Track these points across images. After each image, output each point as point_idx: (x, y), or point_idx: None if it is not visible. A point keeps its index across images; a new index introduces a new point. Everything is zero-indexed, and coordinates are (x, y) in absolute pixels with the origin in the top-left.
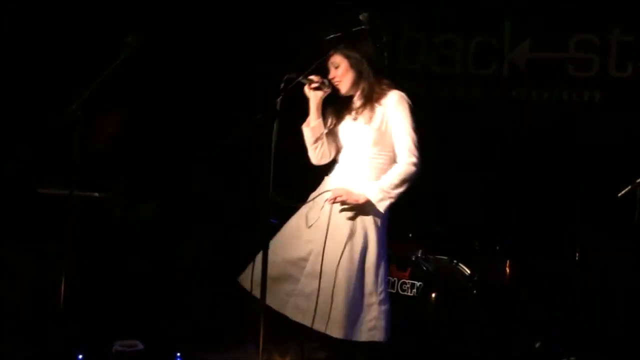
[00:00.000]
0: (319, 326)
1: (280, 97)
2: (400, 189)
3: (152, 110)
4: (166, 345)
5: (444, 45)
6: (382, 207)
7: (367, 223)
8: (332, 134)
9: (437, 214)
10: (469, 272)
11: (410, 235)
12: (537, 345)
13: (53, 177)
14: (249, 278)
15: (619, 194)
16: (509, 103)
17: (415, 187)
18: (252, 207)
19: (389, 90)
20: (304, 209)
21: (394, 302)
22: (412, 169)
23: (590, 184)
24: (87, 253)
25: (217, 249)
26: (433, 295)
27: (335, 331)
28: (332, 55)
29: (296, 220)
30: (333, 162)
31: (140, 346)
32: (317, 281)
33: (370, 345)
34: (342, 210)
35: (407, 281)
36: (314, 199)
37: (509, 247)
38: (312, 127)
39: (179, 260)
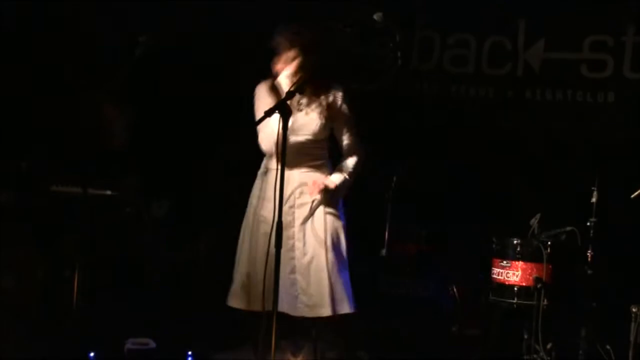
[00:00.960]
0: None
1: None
2: (355, 176)
3: (165, 110)
4: (178, 344)
5: (457, 44)
6: (342, 192)
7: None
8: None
9: (450, 213)
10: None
11: (423, 235)
12: (549, 346)
13: (67, 175)
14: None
15: (632, 196)
16: (523, 103)
17: (429, 186)
18: None
19: (332, 86)
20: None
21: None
22: (363, 157)
23: (603, 185)
24: (100, 251)
25: (228, 248)
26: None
27: (345, 307)
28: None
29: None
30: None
31: (152, 344)
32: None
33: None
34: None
35: (420, 281)
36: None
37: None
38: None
39: (191, 259)
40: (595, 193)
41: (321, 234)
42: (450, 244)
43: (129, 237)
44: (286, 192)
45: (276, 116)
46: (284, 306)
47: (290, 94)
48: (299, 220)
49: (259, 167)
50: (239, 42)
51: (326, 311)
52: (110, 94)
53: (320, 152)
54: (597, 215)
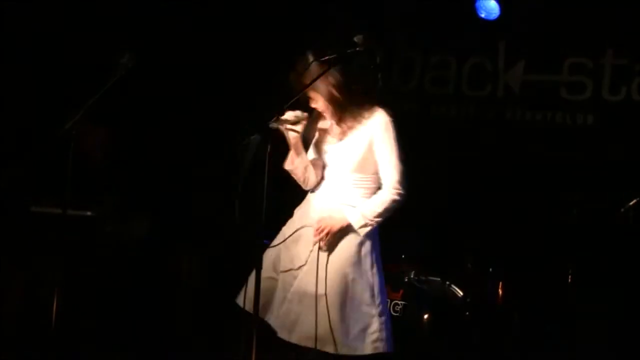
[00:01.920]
0: (328, 348)
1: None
2: (381, 218)
3: (143, 128)
4: None
5: (438, 66)
6: (362, 232)
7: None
8: (318, 152)
9: (430, 235)
10: (461, 293)
11: (402, 256)
12: None
13: (46, 195)
14: (242, 299)
15: (622, 209)
16: (503, 124)
17: (408, 209)
18: (244, 227)
19: (373, 110)
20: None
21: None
22: (397, 199)
23: (582, 206)
24: (80, 271)
25: (209, 267)
26: (426, 316)
27: (344, 349)
28: (310, 91)
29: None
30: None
31: None
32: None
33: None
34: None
35: (399, 302)
36: (291, 233)
37: (502, 268)
38: (295, 167)
39: (171, 278)
40: (575, 214)
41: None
42: (431, 265)
43: (110, 257)
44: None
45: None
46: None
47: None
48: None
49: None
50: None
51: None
52: (89, 114)
53: (362, 186)
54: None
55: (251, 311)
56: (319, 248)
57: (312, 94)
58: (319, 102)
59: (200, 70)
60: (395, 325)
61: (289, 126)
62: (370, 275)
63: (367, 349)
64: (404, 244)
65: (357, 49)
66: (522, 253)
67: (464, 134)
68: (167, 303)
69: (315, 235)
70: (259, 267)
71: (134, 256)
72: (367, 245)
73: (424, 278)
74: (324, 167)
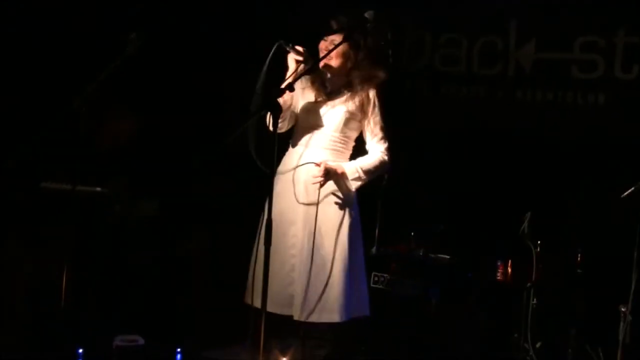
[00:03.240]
0: (325, 317)
1: (268, 61)
2: (371, 176)
3: (154, 107)
4: (167, 341)
5: (448, 44)
6: (353, 185)
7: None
8: (303, 105)
9: (439, 212)
10: (470, 271)
11: (412, 234)
12: (538, 345)
13: (56, 172)
14: (249, 293)
15: (622, 195)
16: (513, 103)
17: (416, 185)
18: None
19: (366, 81)
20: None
21: (393, 301)
22: (386, 161)
23: (593, 185)
24: (89, 248)
25: (219, 246)
26: (434, 294)
27: (339, 316)
28: (335, 33)
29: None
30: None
31: (141, 341)
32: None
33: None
34: (320, 187)
35: (407, 280)
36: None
37: (511, 246)
38: (283, 100)
39: (180, 256)
40: (584, 193)
41: (332, 234)
42: (439, 243)
43: (119, 235)
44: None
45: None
46: (275, 307)
47: (281, 91)
48: (306, 215)
49: (250, 165)
50: (231, 41)
51: (333, 317)
52: (98, 92)
53: (343, 150)
54: (586, 214)
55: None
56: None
57: (337, 38)
58: (332, 59)
59: (211, 51)
60: (404, 303)
61: (296, 56)
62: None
63: (353, 313)
64: (412, 222)
65: (368, 25)
66: (531, 231)
67: (474, 112)
68: (176, 282)
69: (318, 174)
70: (268, 245)
71: (143, 235)
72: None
73: (432, 256)
74: (299, 124)
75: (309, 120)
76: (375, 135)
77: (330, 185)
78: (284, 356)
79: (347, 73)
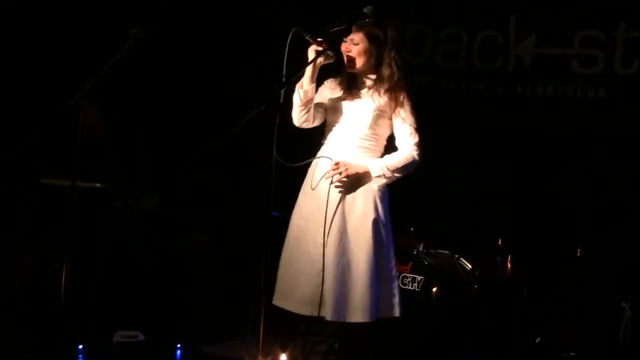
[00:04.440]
0: (353, 317)
1: (287, 50)
2: (398, 174)
3: (154, 101)
4: (167, 337)
5: (449, 39)
6: (377, 182)
7: (372, 202)
8: (331, 104)
9: (439, 208)
10: (470, 266)
11: (412, 229)
12: (538, 340)
13: (55, 167)
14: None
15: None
16: (513, 98)
17: (417, 180)
18: (254, 200)
19: (398, 78)
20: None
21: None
22: (416, 160)
23: (592, 180)
24: (89, 244)
25: (219, 241)
26: (434, 289)
27: (365, 316)
28: (353, 32)
29: (297, 221)
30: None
31: (141, 337)
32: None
33: (370, 338)
34: (339, 185)
35: (408, 275)
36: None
37: (510, 241)
38: (304, 91)
39: (180, 252)
40: (587, 187)
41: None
42: (440, 238)
43: (118, 230)
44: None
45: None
46: (301, 308)
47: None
48: (335, 213)
49: (251, 160)
50: (231, 36)
51: (359, 317)
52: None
53: (373, 148)
54: (587, 210)
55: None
56: (330, 183)
57: (357, 36)
58: (358, 45)
59: (210, 44)
60: (405, 298)
61: (318, 48)
62: (388, 239)
63: (382, 313)
64: (412, 217)
65: (367, 20)
66: (531, 227)
67: (475, 107)
68: (176, 277)
69: (330, 170)
70: (267, 240)
71: (143, 230)
72: (384, 211)
73: (432, 251)
74: (323, 119)
75: (337, 119)
76: (404, 130)
77: (358, 184)
78: (284, 352)
79: (374, 70)
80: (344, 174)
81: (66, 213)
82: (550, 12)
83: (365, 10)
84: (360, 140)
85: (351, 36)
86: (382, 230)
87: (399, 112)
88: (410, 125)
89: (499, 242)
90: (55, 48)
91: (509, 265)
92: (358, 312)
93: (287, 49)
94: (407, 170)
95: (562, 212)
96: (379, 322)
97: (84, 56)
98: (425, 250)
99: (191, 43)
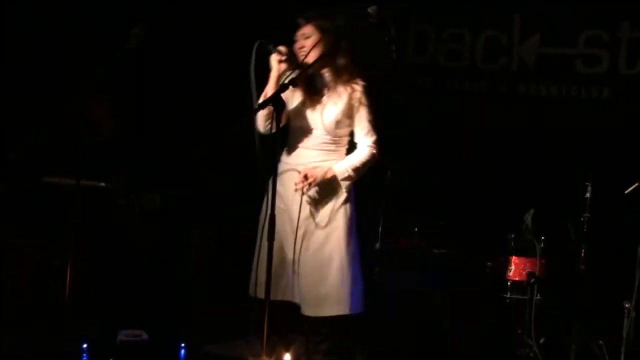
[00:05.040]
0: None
1: (252, 62)
2: (362, 173)
3: (155, 101)
4: (170, 336)
5: (452, 39)
6: (344, 185)
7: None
8: (293, 109)
9: (442, 208)
10: (473, 266)
11: (415, 229)
12: (542, 341)
13: (59, 166)
14: (253, 284)
15: (626, 191)
16: (517, 98)
17: (422, 180)
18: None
19: (358, 79)
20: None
21: (400, 296)
22: (375, 155)
23: (597, 180)
24: (92, 243)
25: (222, 241)
26: (438, 289)
27: (338, 309)
28: (304, 25)
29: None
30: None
31: (145, 336)
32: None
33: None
34: (302, 194)
35: (412, 275)
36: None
37: (515, 242)
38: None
39: (183, 251)
40: (589, 188)
41: (334, 227)
42: (443, 238)
43: (121, 229)
44: (292, 185)
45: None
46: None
47: (284, 87)
48: (304, 213)
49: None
50: (233, 36)
51: (329, 310)
52: (99, 86)
53: (336, 149)
54: (591, 210)
55: (260, 297)
56: (302, 194)
57: (308, 29)
58: (310, 39)
59: (212, 44)
60: (408, 298)
61: (280, 57)
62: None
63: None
64: (416, 218)
65: (371, 20)
66: (535, 227)
67: (478, 107)
68: (179, 276)
69: (299, 182)
70: (270, 239)
71: (146, 229)
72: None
73: (436, 251)
74: (288, 126)
75: (299, 122)
76: (363, 129)
77: (327, 186)
78: (287, 351)
79: (329, 70)
80: (313, 184)
81: (69, 212)
82: (554, 12)
83: (369, 10)
84: (324, 145)
85: (302, 31)
86: (351, 228)
87: (357, 111)
88: (369, 123)
89: (503, 242)
90: (58, 46)
91: (512, 266)
92: (333, 305)
93: (252, 61)
94: (369, 167)
95: (567, 211)
96: (380, 322)
97: (87, 55)
98: (428, 251)
99: (193, 40)
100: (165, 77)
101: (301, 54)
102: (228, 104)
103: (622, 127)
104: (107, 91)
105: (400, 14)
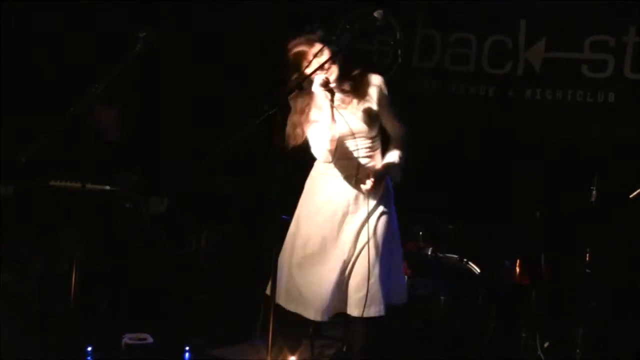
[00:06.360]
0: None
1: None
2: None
3: (162, 105)
4: (175, 339)
5: (458, 43)
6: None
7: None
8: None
9: (448, 212)
10: (479, 270)
11: (420, 233)
12: (546, 345)
13: (65, 170)
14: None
15: (631, 195)
16: (523, 102)
17: (426, 185)
18: (263, 204)
19: (368, 75)
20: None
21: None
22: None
23: (602, 185)
24: (98, 246)
25: (228, 245)
26: (443, 293)
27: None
28: (308, 47)
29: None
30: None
31: (150, 340)
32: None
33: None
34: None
35: (417, 279)
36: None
37: (520, 246)
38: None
39: (189, 254)
40: (594, 193)
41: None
42: (448, 242)
43: (128, 233)
44: (342, 201)
45: (323, 125)
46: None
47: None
48: (351, 227)
49: (260, 164)
50: (240, 40)
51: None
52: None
53: (373, 152)
54: (597, 214)
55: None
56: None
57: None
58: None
59: (220, 49)
60: (413, 303)
61: (321, 87)
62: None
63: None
64: (421, 222)
65: (377, 24)
66: (541, 231)
67: (484, 111)
68: (185, 280)
69: (370, 186)
70: (276, 244)
71: (151, 233)
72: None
73: (441, 255)
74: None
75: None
76: (392, 122)
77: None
78: (293, 355)
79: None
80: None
81: (76, 215)
82: (560, 17)
83: (375, 14)
84: (359, 151)
85: (312, 51)
86: (394, 221)
87: (384, 107)
88: (396, 116)
89: (508, 246)
90: (67, 51)
91: (518, 270)
92: (376, 307)
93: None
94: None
95: (572, 216)
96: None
97: (96, 59)
98: (433, 254)
99: (201, 45)
100: (173, 79)
101: (330, 78)
102: (238, 106)
103: (627, 132)
104: (122, 97)
105: (406, 18)
